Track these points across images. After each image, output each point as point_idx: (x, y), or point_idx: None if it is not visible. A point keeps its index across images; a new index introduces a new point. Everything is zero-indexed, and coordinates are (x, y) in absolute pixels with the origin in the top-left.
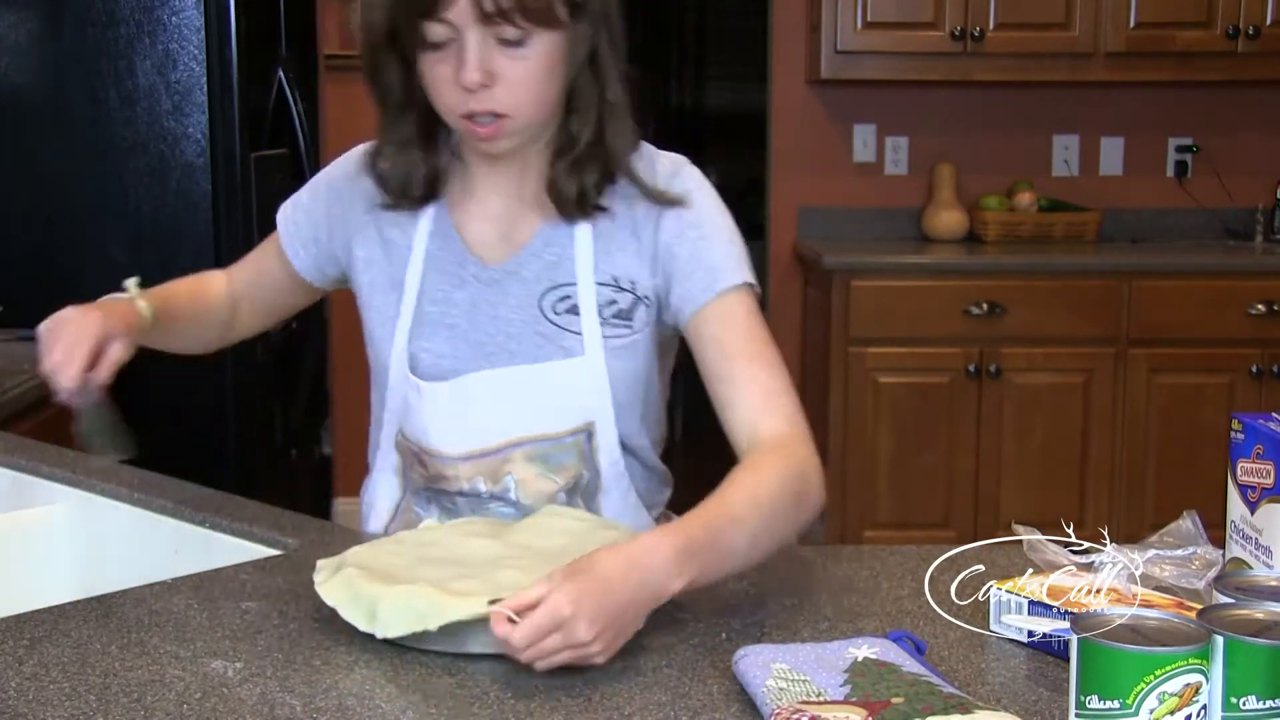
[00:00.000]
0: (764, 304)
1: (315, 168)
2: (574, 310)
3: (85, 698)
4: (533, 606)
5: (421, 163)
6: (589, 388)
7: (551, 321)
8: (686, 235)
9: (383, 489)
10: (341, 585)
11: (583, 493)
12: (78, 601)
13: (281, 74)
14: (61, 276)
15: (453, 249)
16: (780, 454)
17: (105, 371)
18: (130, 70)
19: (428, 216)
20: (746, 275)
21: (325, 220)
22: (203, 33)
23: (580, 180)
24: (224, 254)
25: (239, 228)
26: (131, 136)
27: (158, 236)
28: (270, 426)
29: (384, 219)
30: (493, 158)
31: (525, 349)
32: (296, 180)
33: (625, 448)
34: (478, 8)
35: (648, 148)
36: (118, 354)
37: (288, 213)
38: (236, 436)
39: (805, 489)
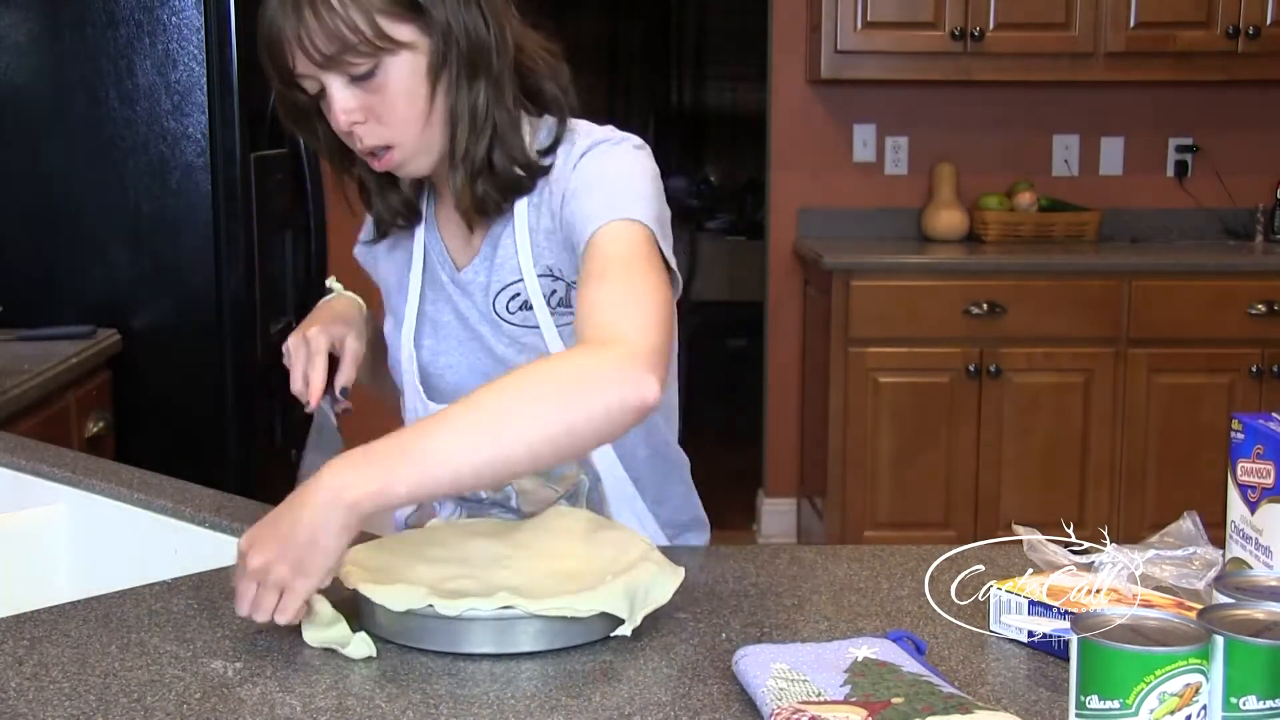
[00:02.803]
0: (763, 304)
1: (315, 168)
2: (527, 306)
3: (85, 698)
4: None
5: (391, 191)
6: None
7: (509, 322)
8: (567, 199)
9: None
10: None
11: (585, 497)
12: (78, 601)
13: None
14: (61, 276)
15: (437, 249)
16: (541, 359)
17: (348, 372)
18: (130, 70)
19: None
20: (625, 212)
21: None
22: (203, 33)
23: (473, 189)
24: (224, 254)
25: (239, 228)
26: (131, 136)
27: (158, 236)
28: (270, 426)
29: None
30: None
31: (501, 353)
32: (297, 180)
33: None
34: (311, 61)
35: (579, 131)
36: (353, 350)
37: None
38: (236, 436)
39: (577, 373)
